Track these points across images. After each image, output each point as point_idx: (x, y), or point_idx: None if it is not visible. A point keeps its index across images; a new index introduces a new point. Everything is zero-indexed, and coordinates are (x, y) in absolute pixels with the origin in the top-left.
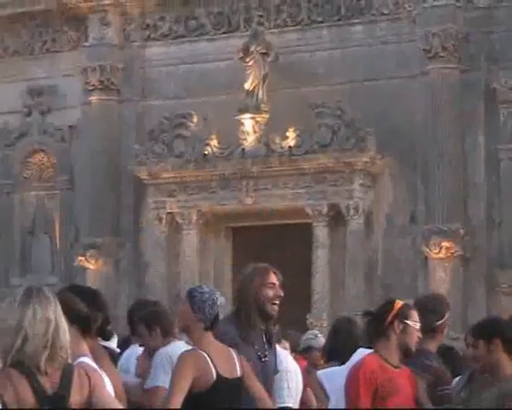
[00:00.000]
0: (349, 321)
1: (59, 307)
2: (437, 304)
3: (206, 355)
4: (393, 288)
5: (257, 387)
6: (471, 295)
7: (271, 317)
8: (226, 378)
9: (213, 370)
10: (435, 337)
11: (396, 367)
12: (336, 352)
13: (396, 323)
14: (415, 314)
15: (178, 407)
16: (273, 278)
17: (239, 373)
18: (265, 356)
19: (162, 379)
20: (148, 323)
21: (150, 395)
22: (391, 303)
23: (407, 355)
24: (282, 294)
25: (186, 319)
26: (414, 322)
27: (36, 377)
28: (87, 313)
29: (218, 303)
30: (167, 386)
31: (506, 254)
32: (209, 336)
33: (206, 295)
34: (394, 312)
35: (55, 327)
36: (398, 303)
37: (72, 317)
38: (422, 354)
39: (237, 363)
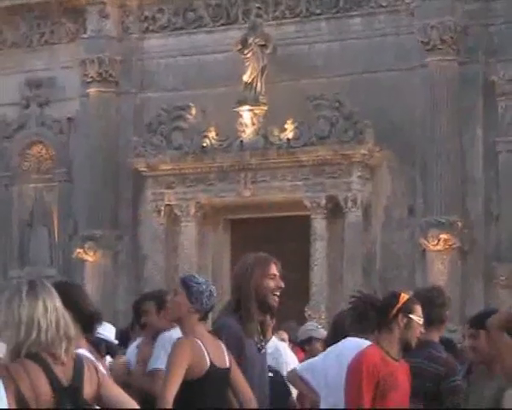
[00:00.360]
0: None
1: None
2: (439, 296)
3: (200, 343)
4: (391, 281)
5: (241, 380)
6: (469, 288)
7: (272, 308)
8: (218, 368)
9: (207, 358)
10: (438, 329)
11: (396, 361)
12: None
13: (400, 316)
14: (419, 309)
15: (174, 393)
16: (274, 269)
17: (228, 364)
18: (263, 347)
19: (163, 361)
20: (158, 302)
21: (152, 377)
22: (396, 296)
23: (406, 349)
24: (282, 285)
25: (181, 309)
26: (418, 317)
27: (51, 369)
28: (92, 311)
29: (215, 295)
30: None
31: (504, 248)
32: (202, 326)
33: (204, 286)
34: (399, 305)
35: (63, 317)
36: (404, 297)
37: (78, 312)
38: (429, 346)
39: (226, 354)
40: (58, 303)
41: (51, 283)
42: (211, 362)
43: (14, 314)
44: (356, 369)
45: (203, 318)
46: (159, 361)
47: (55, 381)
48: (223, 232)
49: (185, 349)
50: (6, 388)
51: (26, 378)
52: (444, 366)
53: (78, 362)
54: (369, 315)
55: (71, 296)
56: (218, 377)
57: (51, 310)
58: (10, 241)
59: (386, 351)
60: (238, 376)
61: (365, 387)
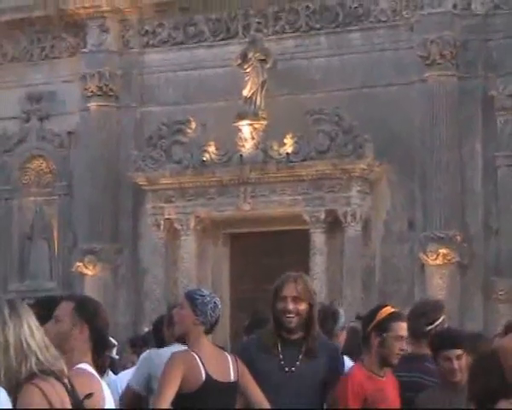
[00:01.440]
0: (354, 329)
1: None
2: (430, 308)
3: (196, 356)
4: (391, 295)
5: (255, 391)
6: (468, 303)
7: (287, 329)
8: (216, 381)
9: (203, 371)
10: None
11: (381, 376)
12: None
13: (373, 335)
14: (397, 326)
15: (167, 405)
16: (286, 291)
17: (232, 378)
18: (292, 366)
19: (134, 379)
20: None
21: (123, 394)
22: (374, 313)
23: (387, 365)
24: (290, 307)
25: (187, 322)
26: (395, 335)
27: (66, 383)
28: (108, 340)
29: (219, 307)
30: (136, 385)
31: (503, 262)
32: (206, 339)
33: (208, 298)
34: (374, 323)
35: (45, 335)
36: (382, 314)
37: (94, 332)
38: (424, 359)
39: (232, 368)
40: (36, 322)
41: (81, 297)
42: (207, 375)
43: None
44: (343, 388)
45: (209, 330)
46: (132, 378)
47: (73, 394)
48: (222, 246)
49: (178, 363)
50: (42, 404)
51: (54, 394)
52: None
53: (69, 379)
54: (329, 326)
55: (98, 316)
56: (216, 389)
57: (35, 330)
58: (10, 254)
59: (368, 369)
60: (251, 387)
61: (352, 405)
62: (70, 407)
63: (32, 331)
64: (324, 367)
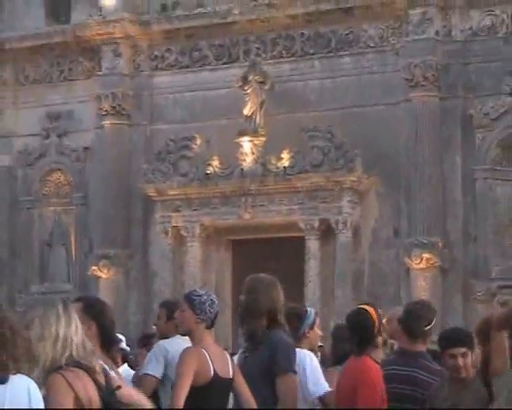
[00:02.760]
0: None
1: None
2: (426, 310)
3: (206, 353)
4: (379, 296)
5: (244, 389)
6: (449, 303)
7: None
8: (221, 377)
9: (212, 367)
10: (425, 341)
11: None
12: (341, 356)
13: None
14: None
15: (184, 399)
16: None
17: (231, 374)
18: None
19: (151, 367)
20: (171, 310)
21: (139, 382)
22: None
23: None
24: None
25: (189, 322)
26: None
27: (94, 375)
28: (114, 337)
29: (216, 302)
30: (155, 374)
31: (481, 266)
32: (209, 336)
33: (205, 297)
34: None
35: (84, 334)
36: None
37: (101, 329)
38: (420, 356)
39: (230, 365)
40: (79, 322)
41: (89, 298)
42: (214, 371)
43: (52, 330)
44: (369, 379)
45: (210, 326)
46: (149, 367)
47: (99, 386)
48: (225, 252)
49: (192, 357)
50: (66, 393)
51: (80, 384)
52: (438, 377)
53: (105, 370)
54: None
55: (104, 314)
56: (220, 386)
57: (79, 329)
58: (31, 259)
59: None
60: (242, 386)
61: (379, 392)
62: (95, 395)
63: (76, 329)
64: (266, 357)
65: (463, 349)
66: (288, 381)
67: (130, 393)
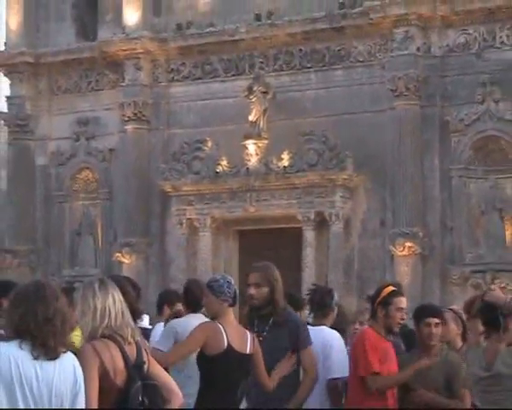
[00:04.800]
0: (339, 305)
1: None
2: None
3: (221, 327)
4: (367, 280)
5: (262, 367)
6: (428, 286)
7: (253, 308)
8: (235, 350)
9: (225, 339)
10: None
11: (387, 340)
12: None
13: (379, 308)
14: (398, 301)
15: (182, 355)
16: (248, 279)
17: (248, 351)
18: (263, 334)
19: (161, 342)
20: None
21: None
22: (380, 291)
23: (391, 333)
24: (250, 292)
25: (213, 305)
26: (396, 307)
27: (123, 348)
28: (135, 300)
29: (233, 282)
30: (163, 349)
31: (456, 253)
32: (230, 314)
33: (221, 281)
34: (379, 299)
35: (125, 308)
36: (385, 291)
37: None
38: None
39: (249, 342)
40: (121, 296)
41: (110, 275)
42: (228, 344)
43: (90, 304)
44: (360, 344)
45: (232, 303)
46: (159, 342)
47: (126, 357)
48: (232, 241)
49: (201, 330)
50: (93, 360)
51: (107, 353)
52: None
53: (138, 344)
54: (327, 302)
55: (123, 289)
56: (234, 357)
57: (117, 301)
58: (63, 247)
59: (377, 332)
60: (260, 364)
61: (371, 353)
62: (121, 366)
63: (114, 301)
64: (286, 335)
65: (436, 320)
66: (311, 353)
67: (158, 373)
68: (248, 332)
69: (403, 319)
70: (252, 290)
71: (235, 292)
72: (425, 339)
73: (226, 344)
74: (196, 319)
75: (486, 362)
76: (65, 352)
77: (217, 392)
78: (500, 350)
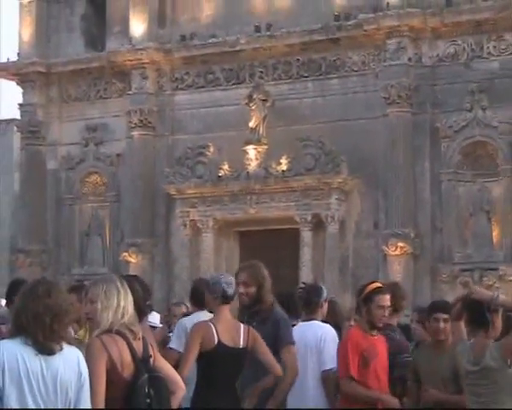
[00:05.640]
0: (334, 302)
1: None
2: (398, 290)
3: (212, 326)
4: (361, 278)
5: (266, 355)
6: (419, 284)
7: (243, 306)
8: (226, 346)
9: (216, 338)
10: (397, 315)
11: (373, 335)
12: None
13: (362, 304)
14: (380, 299)
15: (191, 363)
16: (238, 278)
17: (242, 345)
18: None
19: (174, 342)
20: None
21: (164, 356)
22: (362, 289)
23: (374, 328)
24: (240, 290)
25: (208, 304)
26: (377, 305)
27: (131, 343)
28: (143, 298)
29: (227, 282)
30: (177, 348)
31: (446, 253)
32: (224, 311)
33: (216, 279)
34: (362, 296)
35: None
36: (369, 288)
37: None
38: (388, 328)
39: (242, 336)
40: (131, 296)
41: (121, 275)
42: (218, 340)
43: (114, 300)
44: (343, 345)
45: (224, 301)
46: (172, 342)
47: (134, 352)
48: (234, 241)
49: (197, 331)
50: (101, 355)
51: (115, 347)
52: (395, 346)
53: (145, 340)
54: (313, 300)
55: (132, 288)
56: (226, 352)
57: (131, 300)
58: (73, 247)
59: (363, 330)
60: (262, 353)
61: (351, 356)
62: (128, 360)
63: (131, 300)
64: (270, 330)
65: (445, 316)
66: (291, 351)
67: (163, 366)
68: (243, 326)
69: (384, 317)
70: (241, 289)
71: (225, 291)
72: (433, 334)
73: (216, 340)
74: (202, 316)
75: (474, 356)
76: (61, 348)
77: (212, 388)
78: (488, 345)
